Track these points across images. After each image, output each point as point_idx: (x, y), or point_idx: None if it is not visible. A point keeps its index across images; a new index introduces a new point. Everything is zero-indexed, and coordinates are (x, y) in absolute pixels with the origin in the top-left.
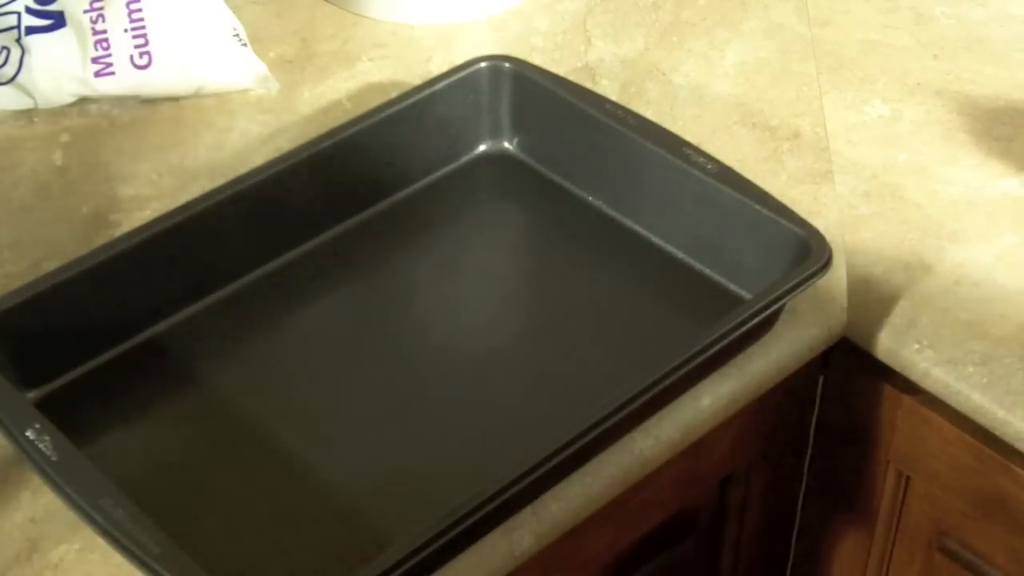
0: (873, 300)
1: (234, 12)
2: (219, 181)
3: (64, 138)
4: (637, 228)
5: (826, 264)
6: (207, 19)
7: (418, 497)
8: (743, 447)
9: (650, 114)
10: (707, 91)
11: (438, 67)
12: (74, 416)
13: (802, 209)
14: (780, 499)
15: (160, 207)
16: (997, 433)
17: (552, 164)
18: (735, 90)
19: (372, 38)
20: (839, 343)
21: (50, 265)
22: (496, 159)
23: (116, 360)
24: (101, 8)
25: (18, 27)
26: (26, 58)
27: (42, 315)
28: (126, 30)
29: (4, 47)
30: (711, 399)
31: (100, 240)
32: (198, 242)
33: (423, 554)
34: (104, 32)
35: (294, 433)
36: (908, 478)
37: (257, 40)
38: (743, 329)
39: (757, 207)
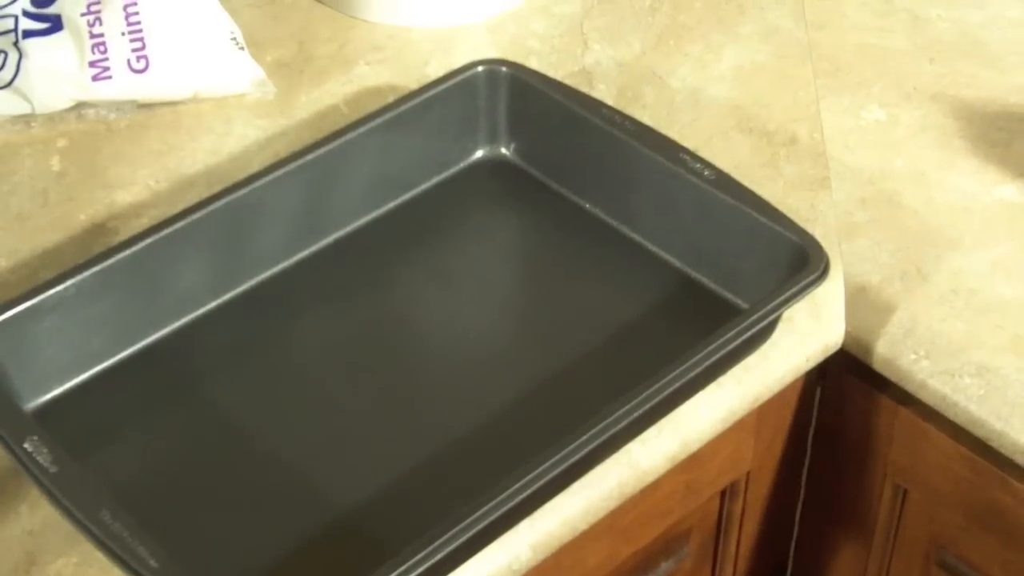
0: (870, 309)
1: (231, 16)
2: (216, 186)
3: (61, 143)
4: (634, 235)
5: (823, 273)
6: (204, 23)
7: (416, 509)
8: (741, 458)
9: (647, 118)
10: (704, 95)
11: (435, 71)
12: (72, 427)
13: (799, 216)
14: (778, 511)
15: (157, 214)
16: (994, 445)
17: (549, 170)
18: (732, 94)
19: (369, 42)
20: (836, 353)
21: (47, 273)
22: (493, 165)
23: (114, 370)
24: (98, 12)
25: (15, 31)
26: (23, 62)
27: (40, 324)
28: (123, 34)
29: (1, 51)
30: (709, 410)
31: (98, 247)
32: (195, 250)
33: (422, 567)
34: (101, 36)
35: (293, 444)
36: (905, 490)
37: (254, 44)
38: (740, 339)
39: (754, 214)
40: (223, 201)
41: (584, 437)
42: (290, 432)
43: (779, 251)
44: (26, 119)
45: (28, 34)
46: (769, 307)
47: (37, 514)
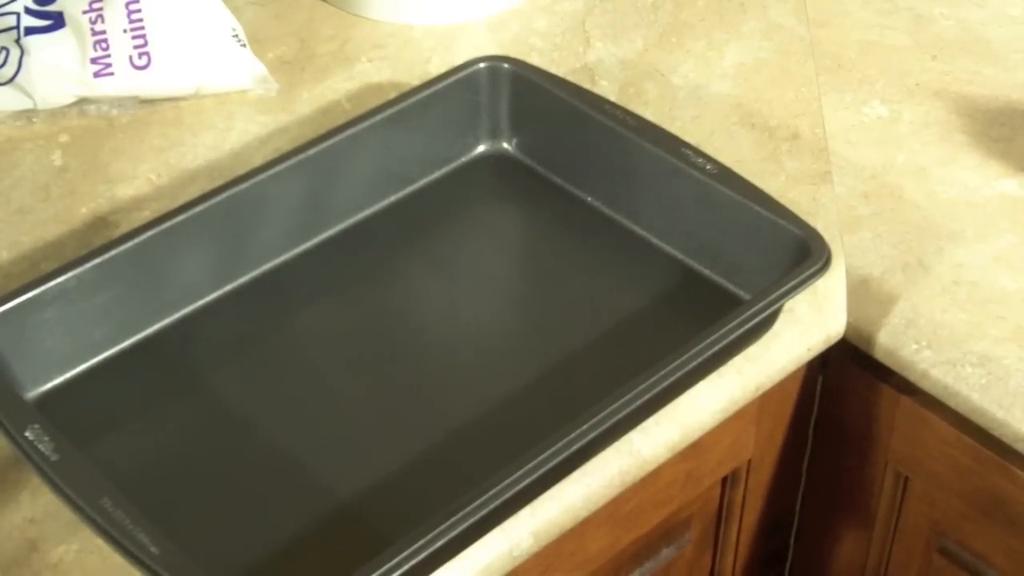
0: (872, 300)
1: (233, 13)
2: (218, 182)
3: (63, 138)
4: (636, 229)
5: (825, 265)
6: (206, 20)
7: (417, 497)
8: (742, 447)
9: (649, 115)
10: (706, 92)
11: (437, 68)
12: (73, 416)
13: (801, 210)
14: (779, 499)
15: (159, 208)
16: (995, 434)
17: (551, 165)
18: (734, 91)
19: (371, 39)
20: (838, 343)
21: (49, 265)
22: (495, 160)
23: (116, 360)
24: (100, 9)
25: (17, 27)
26: (25, 59)
27: (41, 315)
28: (125, 31)
29: (3, 47)
30: (710, 399)
31: (99, 240)
32: (196, 243)
33: (423, 555)
34: (103, 32)
35: (293, 434)
36: (907, 479)
37: (256, 41)
38: (742, 330)
39: (756, 208)
40: (225, 195)
41: (585, 426)
42: (291, 422)
43: (781, 243)
44: (28, 115)
45: (30, 31)
46: (771, 298)
47: (38, 502)
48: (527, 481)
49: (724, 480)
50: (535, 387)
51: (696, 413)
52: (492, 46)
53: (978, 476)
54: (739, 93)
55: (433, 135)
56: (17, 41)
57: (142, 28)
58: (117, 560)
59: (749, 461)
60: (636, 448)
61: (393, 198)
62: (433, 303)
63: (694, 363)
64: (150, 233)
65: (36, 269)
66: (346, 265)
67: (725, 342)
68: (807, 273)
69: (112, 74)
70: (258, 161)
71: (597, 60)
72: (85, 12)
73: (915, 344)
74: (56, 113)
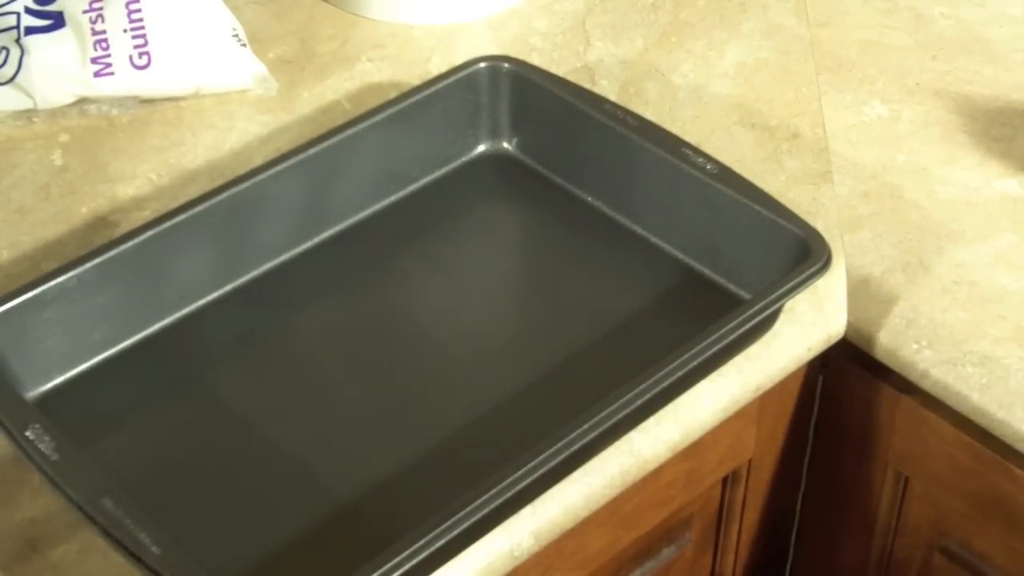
0: (872, 300)
1: (233, 12)
2: (218, 181)
3: (63, 138)
4: (636, 228)
5: (825, 264)
6: (206, 19)
7: (418, 497)
8: (742, 447)
9: (649, 114)
10: (706, 91)
11: (437, 67)
12: (74, 416)
13: (801, 209)
14: (779, 499)
15: (159, 207)
16: (996, 433)
17: (551, 164)
18: (734, 91)
19: (371, 38)
20: (838, 343)
21: (49, 265)
22: (495, 159)
23: (116, 360)
24: (100, 8)
25: (17, 27)
26: (25, 58)
27: (41, 315)
28: (125, 30)
29: (3, 47)
30: (710, 399)
31: (99, 240)
32: (196, 242)
33: (423, 554)
34: (103, 32)
35: (294, 434)
36: (907, 478)
37: (256, 40)
38: (742, 329)
39: (756, 207)
40: (225, 194)
41: (586, 426)
42: (291, 422)
43: (781, 243)
44: (28, 114)
45: (30, 31)
46: (771, 298)
47: (39, 502)
48: (527, 481)
49: (724, 480)
50: (535, 387)
51: (696, 413)
52: (492, 46)
53: (978, 476)
54: (739, 93)
55: (433, 135)
56: (17, 41)
57: (142, 28)
58: (118, 560)
59: (749, 461)
60: (636, 448)
61: (393, 198)
62: (433, 303)
63: (694, 363)
64: (150, 233)
65: (36, 269)
66: (346, 265)
67: (725, 342)
68: (807, 273)
69: (112, 74)
70: (258, 161)
71: (597, 60)
72: (85, 12)
73: (915, 344)
74: (56, 113)
